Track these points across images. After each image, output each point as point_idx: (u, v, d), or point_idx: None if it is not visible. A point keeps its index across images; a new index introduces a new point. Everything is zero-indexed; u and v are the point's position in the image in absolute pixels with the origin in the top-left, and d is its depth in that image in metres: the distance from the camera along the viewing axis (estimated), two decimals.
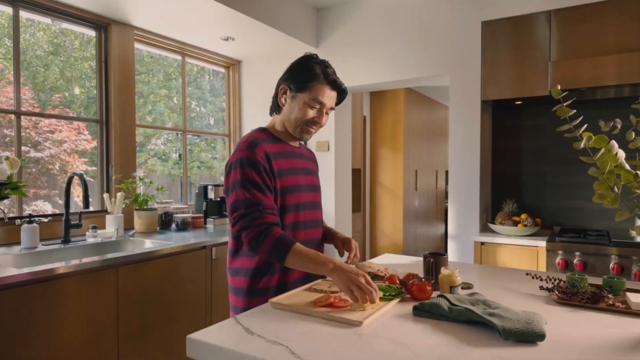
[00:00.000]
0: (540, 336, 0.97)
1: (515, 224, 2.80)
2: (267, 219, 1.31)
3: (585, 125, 1.09)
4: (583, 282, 1.32)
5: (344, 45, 3.55)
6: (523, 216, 2.83)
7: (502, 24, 2.87)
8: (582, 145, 1.09)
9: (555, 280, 1.39)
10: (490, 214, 3.24)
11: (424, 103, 5.92)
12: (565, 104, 1.09)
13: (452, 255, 3.10)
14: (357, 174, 4.98)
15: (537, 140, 3.17)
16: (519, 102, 3.04)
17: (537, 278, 1.47)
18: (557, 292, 1.30)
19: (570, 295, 1.28)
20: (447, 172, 6.78)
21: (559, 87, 1.11)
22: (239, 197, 1.33)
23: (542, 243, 2.59)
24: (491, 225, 2.89)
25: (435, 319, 1.11)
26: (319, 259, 1.26)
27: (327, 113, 1.49)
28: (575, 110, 1.10)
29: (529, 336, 0.96)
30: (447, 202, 6.71)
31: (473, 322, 1.07)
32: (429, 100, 6.07)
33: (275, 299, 1.23)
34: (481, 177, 3.03)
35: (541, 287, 1.39)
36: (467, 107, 3.04)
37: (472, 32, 3.01)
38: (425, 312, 1.13)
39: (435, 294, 1.30)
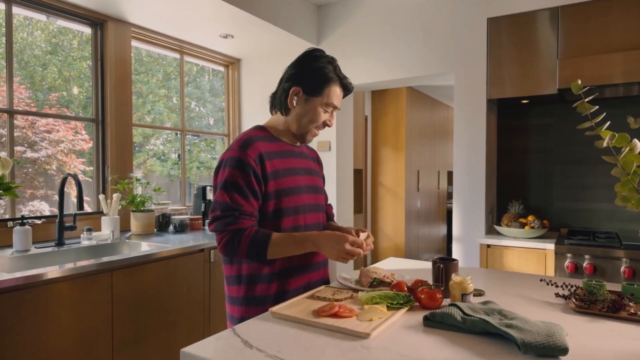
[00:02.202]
0: (563, 350, 0.89)
1: (522, 225, 2.72)
2: (241, 225, 1.26)
3: (609, 123, 1.02)
4: (602, 290, 1.24)
5: (345, 42, 3.48)
6: (530, 218, 2.75)
7: (508, 20, 2.80)
8: (605, 143, 1.01)
9: (571, 287, 1.32)
10: (495, 216, 3.17)
11: (426, 103, 5.86)
12: (586, 99, 1.02)
13: (457, 258, 3.02)
14: (358, 175, 4.90)
15: (544, 140, 3.10)
16: (525, 101, 2.97)
17: (552, 284, 1.40)
18: (574, 300, 1.23)
19: (589, 304, 1.21)
20: (449, 172, 6.71)
21: (580, 82, 1.04)
22: (218, 199, 1.29)
23: (550, 246, 2.51)
24: (497, 227, 2.81)
25: (447, 330, 1.04)
26: (296, 243, 1.28)
27: (333, 113, 1.45)
28: (597, 107, 1.03)
29: (551, 350, 0.89)
30: (449, 203, 6.66)
31: (488, 333, 1.00)
32: (431, 100, 6.00)
33: (275, 308, 1.15)
34: (487, 178, 2.96)
35: (557, 294, 1.31)
36: (472, 106, 2.96)
37: (477, 29, 2.94)
38: (436, 322, 1.06)
39: (445, 302, 1.23)
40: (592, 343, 0.98)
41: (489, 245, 2.71)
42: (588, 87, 2.46)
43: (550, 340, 0.91)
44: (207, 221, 3.11)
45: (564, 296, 1.29)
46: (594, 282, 1.27)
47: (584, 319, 1.13)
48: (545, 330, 0.95)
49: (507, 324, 0.98)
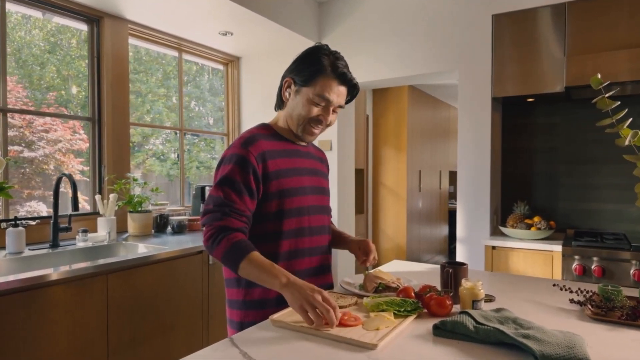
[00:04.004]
0: None
1: (528, 226, 2.66)
2: (230, 222, 1.18)
3: (630, 120, 0.96)
4: (619, 295, 1.18)
5: (347, 40, 3.41)
6: (536, 219, 2.69)
7: (513, 17, 2.73)
8: (626, 142, 0.95)
9: (586, 292, 1.26)
10: (500, 217, 3.11)
11: (428, 102, 5.79)
12: (607, 95, 0.96)
13: (461, 260, 2.96)
14: (359, 175, 4.84)
15: (550, 140, 3.04)
16: (530, 100, 2.91)
17: (566, 290, 1.34)
18: (590, 307, 1.17)
19: (606, 311, 1.15)
20: (450, 172, 6.65)
21: (599, 76, 0.98)
22: (212, 194, 1.23)
23: (557, 247, 2.45)
24: (502, 229, 2.75)
25: (458, 340, 0.98)
26: (272, 272, 1.11)
27: (335, 111, 1.34)
28: (619, 102, 0.97)
29: None
30: (450, 203, 6.59)
31: (503, 344, 0.94)
32: (432, 99, 5.94)
33: (276, 316, 1.09)
34: (491, 178, 2.90)
35: (571, 300, 1.25)
36: (477, 105, 2.90)
37: (481, 26, 2.87)
38: (447, 332, 1.00)
39: (455, 308, 1.17)
40: (614, 354, 0.91)
41: (494, 247, 2.65)
42: (585, 86, 2.41)
43: (571, 353, 0.84)
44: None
45: (579, 302, 1.23)
46: (610, 287, 1.21)
47: (603, 328, 1.07)
48: (565, 341, 0.89)
49: (523, 334, 0.92)
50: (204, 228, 1.22)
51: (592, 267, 2.35)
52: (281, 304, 1.24)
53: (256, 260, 1.14)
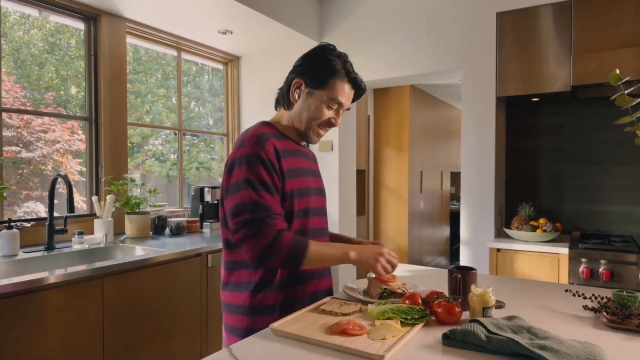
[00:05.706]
0: None
1: (534, 228, 2.61)
2: (277, 226, 1.14)
3: None
4: (636, 302, 1.13)
5: (348, 39, 3.37)
6: (541, 220, 2.64)
7: (518, 15, 2.69)
8: None
9: (601, 298, 1.20)
10: (504, 218, 3.05)
11: (429, 102, 5.74)
12: (626, 91, 0.90)
13: (465, 262, 2.91)
14: (361, 176, 4.79)
15: (555, 140, 2.98)
16: (535, 99, 2.86)
17: (579, 295, 1.28)
18: (605, 314, 1.12)
19: (622, 318, 1.09)
20: (452, 173, 6.60)
21: (618, 72, 0.93)
22: (245, 200, 1.14)
23: (563, 250, 2.40)
24: (507, 231, 2.70)
25: (469, 350, 0.93)
26: (336, 255, 1.20)
27: (342, 113, 1.33)
28: (639, 100, 0.92)
29: None
30: (452, 204, 6.54)
31: (517, 355, 0.88)
32: (434, 100, 5.89)
33: (276, 324, 1.04)
34: (496, 179, 2.85)
35: (585, 307, 1.20)
36: (481, 104, 2.85)
37: (486, 24, 2.82)
38: (457, 341, 0.94)
39: (464, 315, 1.12)
40: None
41: (499, 249, 2.60)
42: (592, 85, 2.36)
43: None
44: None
45: (593, 309, 1.18)
46: (625, 293, 1.16)
47: (620, 336, 1.02)
48: (584, 352, 0.84)
49: (539, 345, 0.87)
50: (247, 240, 1.13)
51: (600, 270, 2.29)
52: (285, 309, 1.19)
53: (316, 252, 1.17)
